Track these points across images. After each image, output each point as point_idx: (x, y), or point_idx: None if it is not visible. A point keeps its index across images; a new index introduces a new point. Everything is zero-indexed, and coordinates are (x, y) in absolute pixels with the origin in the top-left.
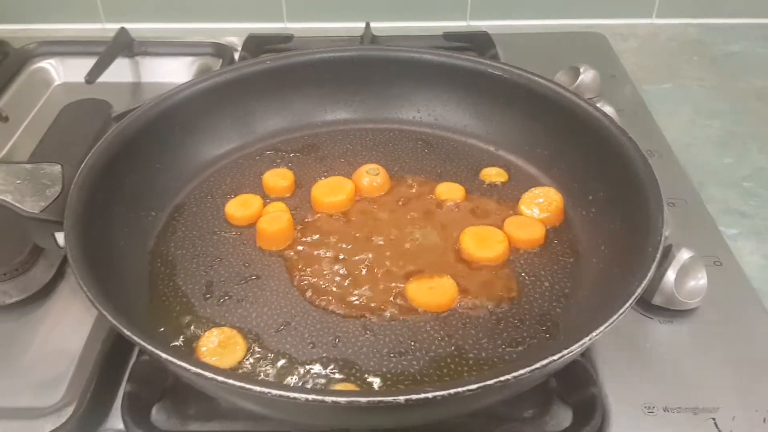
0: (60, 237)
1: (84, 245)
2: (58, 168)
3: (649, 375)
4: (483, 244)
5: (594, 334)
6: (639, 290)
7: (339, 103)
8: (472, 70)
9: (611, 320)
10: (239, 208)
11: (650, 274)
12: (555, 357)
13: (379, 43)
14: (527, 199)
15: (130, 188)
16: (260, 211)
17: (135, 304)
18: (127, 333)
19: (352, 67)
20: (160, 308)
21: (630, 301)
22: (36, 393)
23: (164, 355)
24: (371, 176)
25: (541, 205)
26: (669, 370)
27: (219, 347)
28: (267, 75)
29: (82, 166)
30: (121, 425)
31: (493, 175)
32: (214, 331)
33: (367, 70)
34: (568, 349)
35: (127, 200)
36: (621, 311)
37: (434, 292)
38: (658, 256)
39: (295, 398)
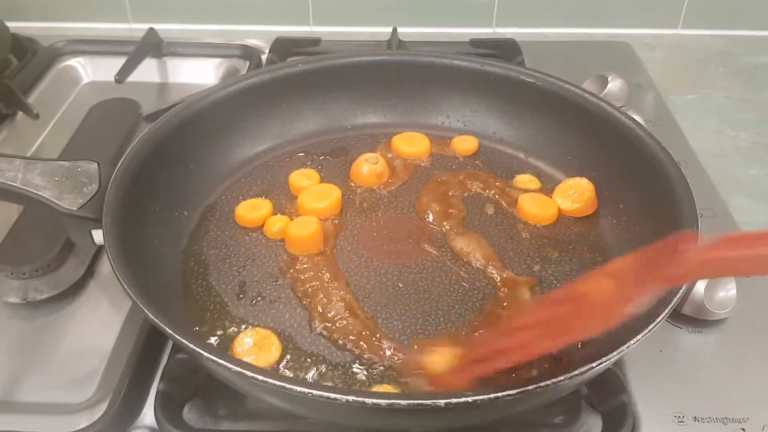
0: (96, 234)
1: (122, 244)
2: (94, 166)
3: (678, 384)
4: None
5: (632, 342)
6: (674, 301)
7: (369, 107)
8: (502, 77)
9: (647, 330)
10: (250, 211)
11: (683, 288)
12: (594, 365)
13: (406, 48)
14: (560, 191)
15: (164, 188)
16: (268, 215)
17: (170, 303)
18: (172, 333)
19: (383, 71)
20: (194, 307)
21: (665, 312)
22: (69, 389)
23: (208, 355)
24: (370, 165)
25: (573, 196)
26: (699, 379)
27: (254, 347)
28: (299, 78)
29: (119, 165)
30: (153, 422)
31: (526, 181)
32: (249, 331)
33: (397, 74)
34: (607, 357)
35: (161, 199)
36: (656, 322)
37: None
38: None
39: (335, 399)
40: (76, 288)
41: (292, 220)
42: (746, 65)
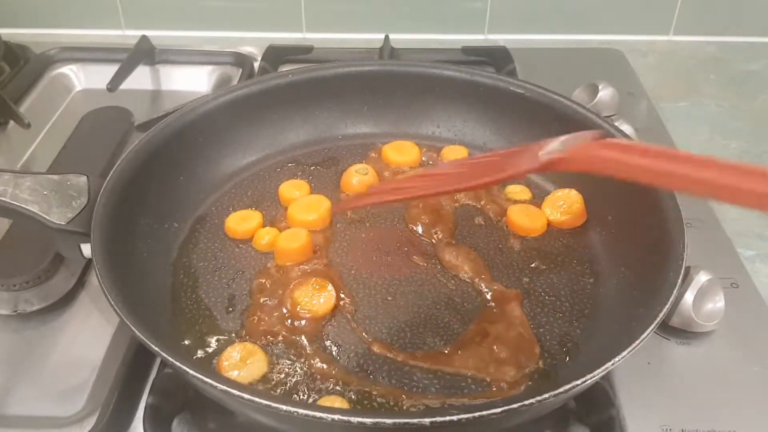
0: (85, 248)
1: (110, 258)
2: (84, 179)
3: (666, 397)
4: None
5: (617, 358)
6: (661, 315)
7: (359, 117)
8: (491, 87)
9: (634, 345)
10: (240, 222)
11: (672, 300)
12: (578, 382)
13: (399, 55)
14: (549, 202)
15: (154, 200)
16: (258, 227)
17: (159, 316)
18: (158, 350)
19: (373, 81)
20: (183, 321)
21: (652, 326)
22: (57, 402)
23: (194, 373)
24: (360, 176)
25: (562, 207)
26: (686, 391)
27: (240, 362)
28: (289, 88)
29: (108, 178)
30: None
31: (518, 192)
32: (237, 346)
33: (387, 84)
34: (592, 374)
35: (150, 211)
36: (643, 336)
37: None
38: (680, 281)
39: (321, 418)
40: (67, 299)
41: (281, 231)
42: (738, 72)
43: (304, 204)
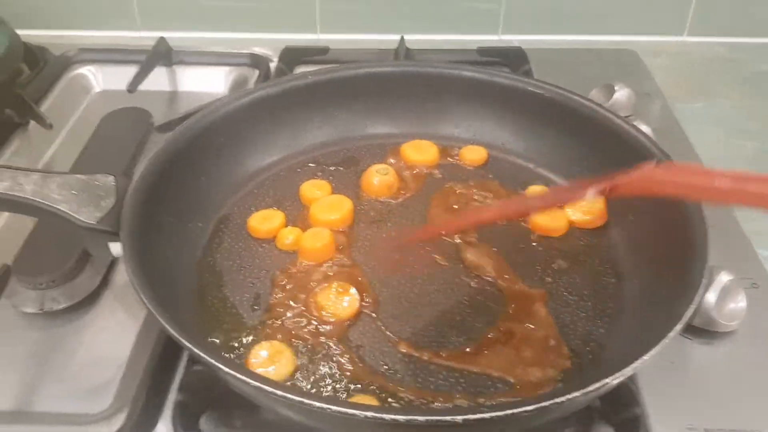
0: (113, 247)
1: (139, 256)
2: (111, 179)
3: (690, 396)
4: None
5: (646, 356)
6: (687, 314)
7: (378, 118)
8: (509, 87)
9: (660, 345)
10: (262, 222)
11: (696, 301)
12: (608, 380)
13: (414, 56)
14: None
15: (178, 200)
16: (280, 227)
17: (186, 314)
18: (190, 346)
19: (391, 82)
20: (210, 318)
21: (679, 324)
22: (85, 399)
23: (228, 370)
24: (381, 176)
25: (583, 207)
26: (710, 391)
27: (268, 360)
28: (308, 90)
29: (135, 179)
30: None
31: (539, 192)
32: (265, 344)
33: (406, 85)
34: (621, 371)
35: (175, 211)
36: (669, 335)
37: None
38: (704, 282)
39: (354, 415)
40: (92, 298)
41: (304, 231)
42: (752, 73)
43: (327, 204)
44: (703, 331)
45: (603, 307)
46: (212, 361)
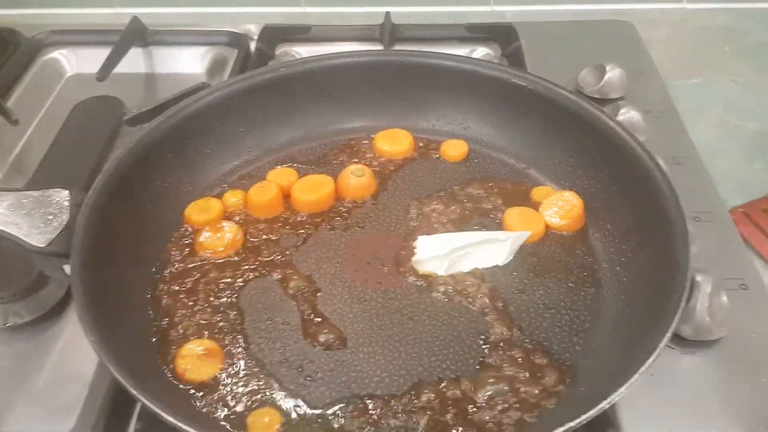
0: (68, 268)
1: (89, 280)
2: (65, 194)
3: (672, 407)
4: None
5: (622, 389)
6: (667, 335)
7: (356, 111)
8: (493, 79)
9: (641, 370)
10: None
11: (676, 319)
12: (584, 417)
13: (400, 32)
14: (548, 205)
15: (138, 212)
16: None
17: (141, 337)
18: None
19: (370, 73)
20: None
21: (658, 349)
22: (50, 419)
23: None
24: (356, 177)
25: (560, 212)
26: (690, 402)
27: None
28: (281, 82)
29: (88, 195)
30: None
31: (543, 194)
32: (196, 341)
33: (386, 76)
34: (598, 406)
35: (133, 226)
36: (650, 360)
37: None
38: (685, 297)
39: None
40: (58, 309)
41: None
42: (755, 44)
43: (308, 183)
44: (686, 340)
45: (581, 320)
46: (155, 408)
